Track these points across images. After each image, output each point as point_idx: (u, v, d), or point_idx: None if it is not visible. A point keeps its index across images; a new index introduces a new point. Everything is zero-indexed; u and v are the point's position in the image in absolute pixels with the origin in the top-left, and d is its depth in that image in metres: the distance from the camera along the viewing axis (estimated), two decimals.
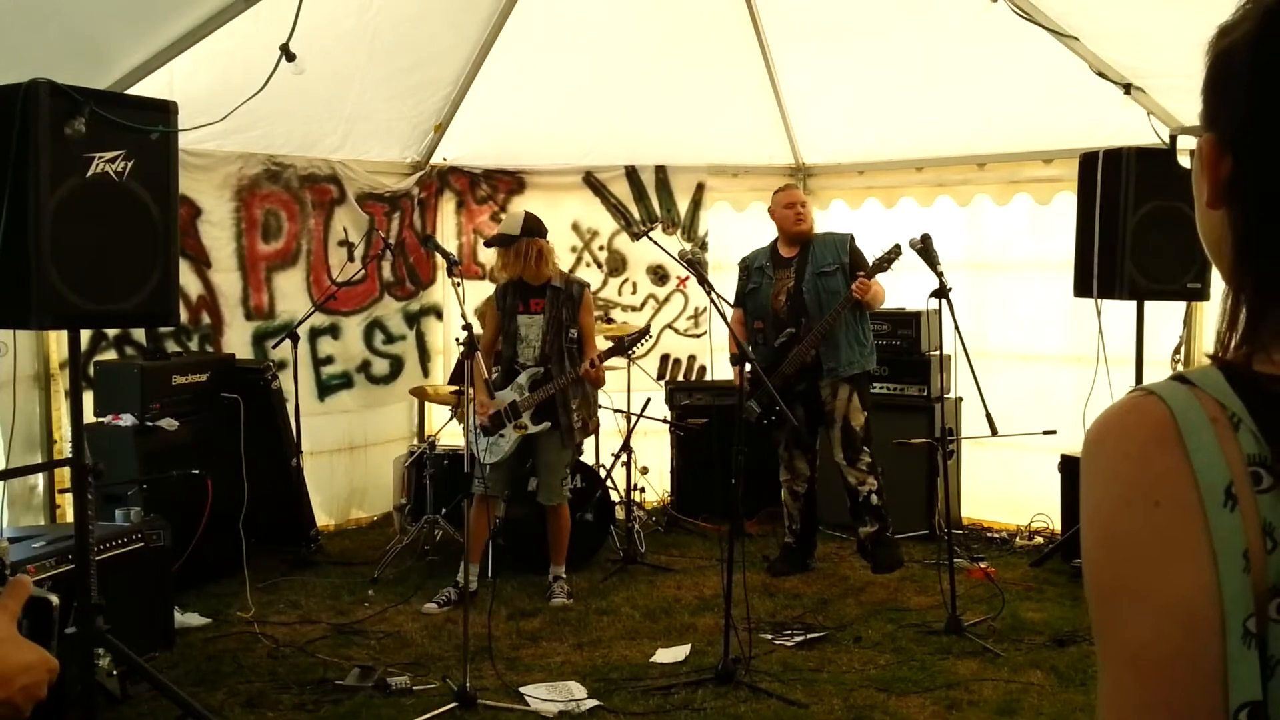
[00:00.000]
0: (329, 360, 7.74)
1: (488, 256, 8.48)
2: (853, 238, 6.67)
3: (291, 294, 7.50)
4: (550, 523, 6.44)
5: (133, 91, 5.47)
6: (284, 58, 5.20)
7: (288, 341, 6.94)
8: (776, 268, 6.65)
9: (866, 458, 6.53)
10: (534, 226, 6.19)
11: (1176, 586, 0.90)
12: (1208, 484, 0.90)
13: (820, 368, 6.48)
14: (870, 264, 6.29)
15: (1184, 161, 1.15)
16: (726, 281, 6.93)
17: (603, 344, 6.49)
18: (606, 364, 6.32)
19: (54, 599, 1.63)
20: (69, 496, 5.19)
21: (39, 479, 6.11)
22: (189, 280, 6.82)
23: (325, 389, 7.70)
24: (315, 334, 7.55)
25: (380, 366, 8.06)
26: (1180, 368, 6.65)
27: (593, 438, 7.40)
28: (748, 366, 5.41)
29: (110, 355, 6.57)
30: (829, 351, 6.46)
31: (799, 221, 6.61)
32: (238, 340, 7.22)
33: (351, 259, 7.70)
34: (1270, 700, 0.88)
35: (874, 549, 6.56)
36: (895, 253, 6.19)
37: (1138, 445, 0.94)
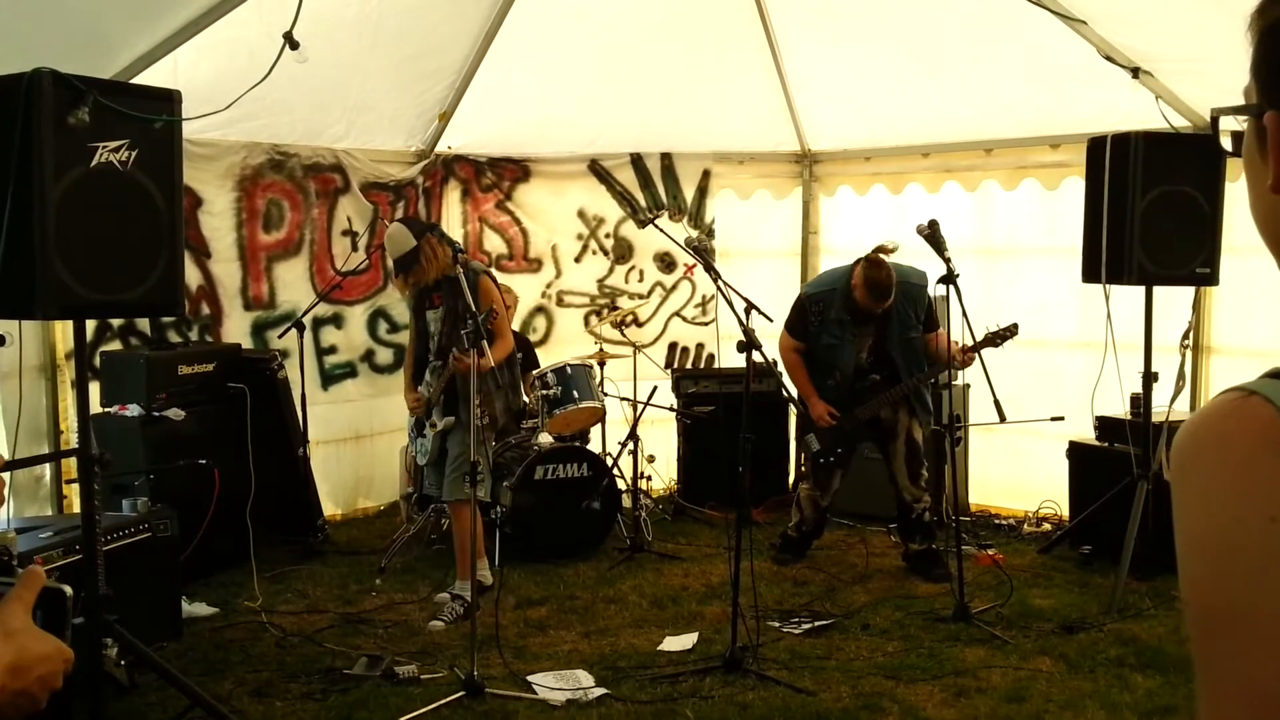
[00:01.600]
0: (332, 350, 7.73)
1: (494, 245, 8.49)
2: (928, 291, 6.44)
3: (293, 284, 7.49)
4: (451, 523, 6.30)
5: (137, 81, 5.45)
6: (287, 46, 5.18)
7: (294, 331, 6.93)
8: (857, 324, 6.43)
9: (925, 474, 6.55)
10: (418, 228, 6.05)
11: None
12: None
13: (900, 410, 6.51)
14: (982, 338, 6.07)
15: (1225, 142, 1.06)
16: (733, 268, 6.91)
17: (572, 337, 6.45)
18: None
19: (68, 590, 1.63)
20: (76, 487, 5.19)
21: (46, 469, 6.11)
22: (188, 270, 6.76)
23: (329, 378, 7.69)
24: (318, 324, 7.53)
25: (384, 355, 8.04)
26: (1189, 353, 6.63)
27: (600, 426, 7.41)
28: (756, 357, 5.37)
29: (115, 345, 6.56)
30: (919, 405, 6.49)
31: (881, 305, 6.30)
32: (237, 330, 7.20)
33: (355, 249, 7.69)
34: None
35: (923, 564, 6.55)
36: (1010, 333, 6.12)
37: (1245, 453, 0.84)
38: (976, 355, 6.05)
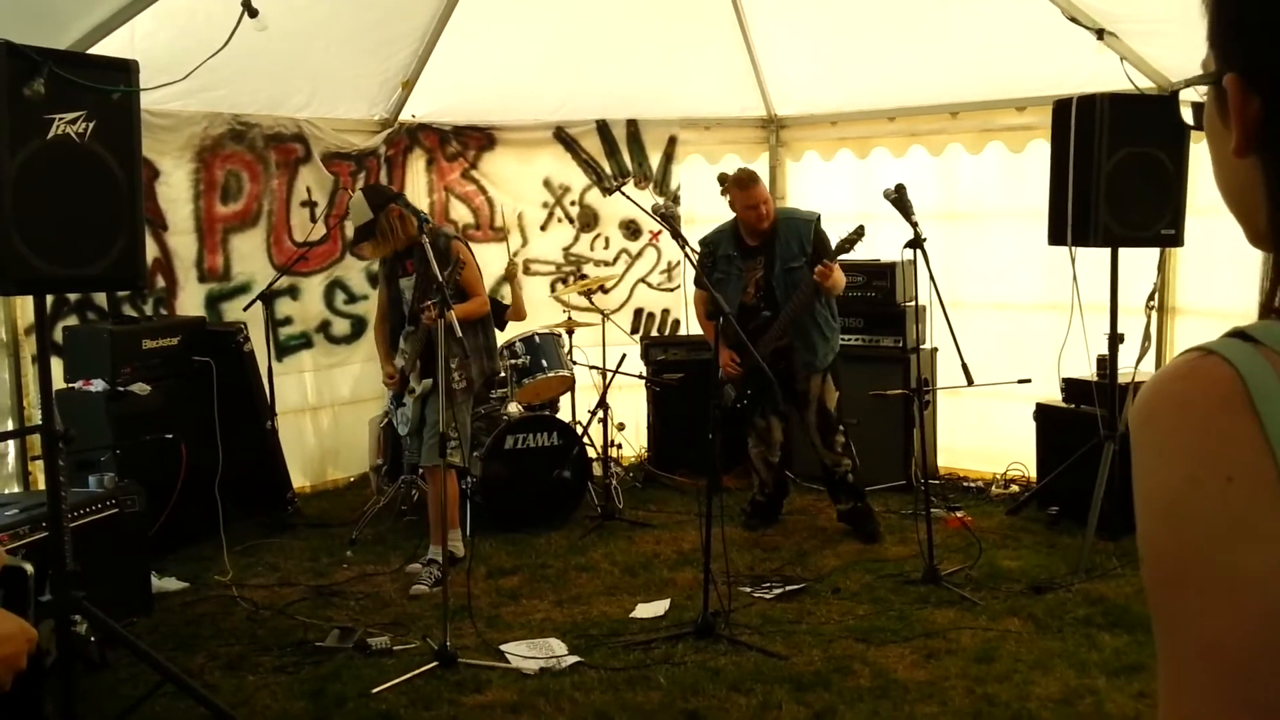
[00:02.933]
0: (288, 321, 7.66)
1: (460, 214, 8.43)
2: (818, 221, 6.51)
3: (249, 255, 7.41)
4: (428, 489, 6.24)
5: (93, 51, 5.36)
6: (246, 14, 5.11)
7: (259, 304, 6.86)
8: (744, 258, 6.51)
9: (841, 438, 6.57)
10: (380, 199, 6.00)
11: (1255, 569, 0.80)
12: None
13: (792, 353, 6.48)
14: (833, 247, 6.21)
15: (1187, 115, 1.06)
16: (699, 235, 6.88)
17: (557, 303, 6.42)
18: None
19: (28, 567, 1.60)
20: (41, 463, 5.14)
21: (10, 446, 6.06)
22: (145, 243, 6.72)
23: (284, 350, 7.62)
24: (274, 295, 7.44)
25: (341, 326, 7.98)
26: (1154, 315, 6.68)
27: (569, 394, 7.40)
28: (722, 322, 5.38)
29: (72, 320, 6.47)
30: (802, 345, 6.45)
31: (761, 221, 6.42)
32: (191, 303, 7.12)
33: (315, 220, 7.62)
34: None
35: (854, 522, 6.62)
36: (857, 235, 6.13)
37: (1202, 413, 0.84)
38: (834, 267, 6.14)
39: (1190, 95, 1.01)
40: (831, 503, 6.78)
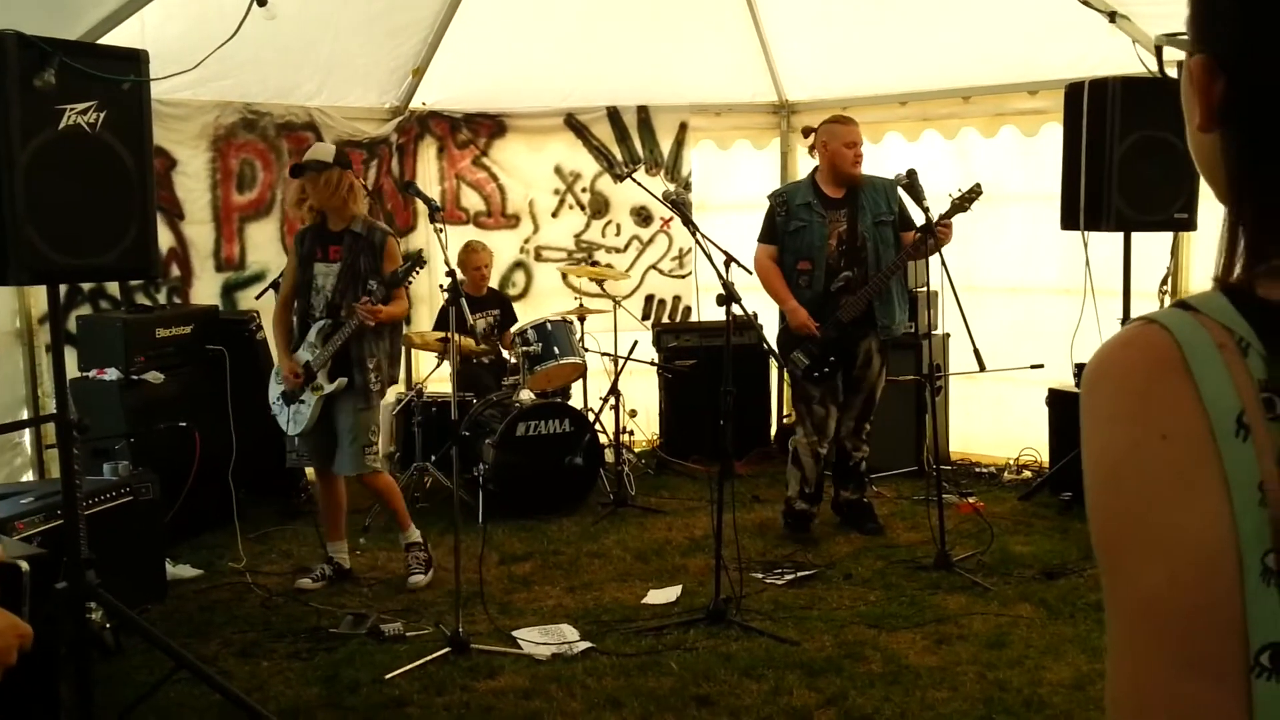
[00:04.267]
0: None
1: (471, 201, 8.43)
2: (896, 185, 6.03)
3: (264, 244, 7.43)
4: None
5: (103, 41, 5.38)
6: (255, 3, 5.11)
7: (271, 292, 6.86)
8: (826, 208, 6.13)
9: (868, 426, 6.37)
10: (346, 161, 5.65)
11: (1189, 525, 0.84)
12: (1218, 414, 0.85)
13: (873, 321, 6.10)
14: (949, 206, 5.83)
15: (1171, 72, 1.11)
16: (710, 221, 6.87)
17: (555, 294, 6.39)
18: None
19: (24, 565, 1.61)
20: (55, 452, 5.17)
21: (25, 435, 6.09)
22: (160, 233, 6.62)
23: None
24: None
25: None
26: (1168, 299, 6.65)
27: (581, 381, 7.41)
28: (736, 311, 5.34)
29: (85, 309, 6.50)
30: (884, 307, 6.09)
31: (857, 163, 6.10)
32: (206, 292, 7.14)
33: None
34: None
35: (856, 515, 6.46)
36: (975, 192, 5.79)
37: (1141, 376, 0.89)
38: (950, 225, 5.81)
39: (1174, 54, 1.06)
40: (834, 487, 6.51)
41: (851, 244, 6.11)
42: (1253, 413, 0.85)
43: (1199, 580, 0.84)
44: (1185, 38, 1.01)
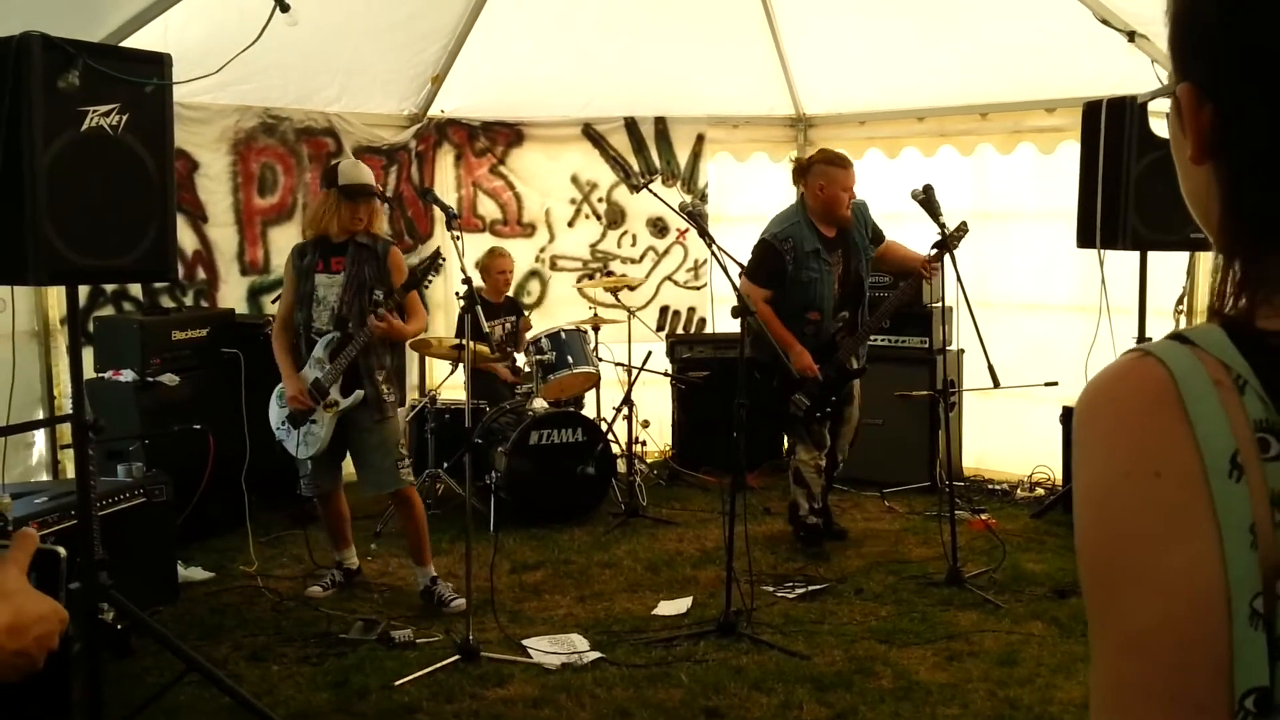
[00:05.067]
0: None
1: (487, 209, 8.45)
2: (865, 206, 6.27)
3: (286, 248, 7.38)
4: (400, 515, 5.66)
5: (127, 44, 5.41)
6: (278, 8, 5.13)
7: (275, 296, 6.89)
8: (829, 251, 6.10)
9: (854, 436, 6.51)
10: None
11: (1180, 566, 0.83)
12: (1211, 453, 0.83)
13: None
14: (936, 247, 5.86)
15: (1155, 126, 1.10)
16: (727, 233, 6.87)
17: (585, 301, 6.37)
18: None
19: (62, 551, 1.63)
20: (70, 452, 5.19)
21: (40, 435, 6.11)
22: (185, 235, 6.78)
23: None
24: None
25: None
26: (1183, 318, 6.63)
27: (594, 391, 7.41)
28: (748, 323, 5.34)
29: (108, 311, 6.55)
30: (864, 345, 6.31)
31: (848, 206, 6.08)
32: (233, 295, 7.20)
33: None
34: (1278, 685, 0.82)
35: (825, 521, 6.51)
36: (963, 231, 5.81)
37: (1135, 412, 0.87)
38: (940, 263, 5.89)
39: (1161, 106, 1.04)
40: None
41: (847, 285, 6.18)
42: (1247, 453, 0.84)
43: (1188, 620, 0.83)
44: (1165, 85, 0.99)
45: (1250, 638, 0.81)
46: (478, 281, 7.36)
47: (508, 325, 7.63)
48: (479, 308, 5.13)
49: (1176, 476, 0.84)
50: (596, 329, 7.38)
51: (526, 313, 7.97)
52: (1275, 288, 0.90)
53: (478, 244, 8.02)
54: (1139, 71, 6.24)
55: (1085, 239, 6.13)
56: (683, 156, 8.56)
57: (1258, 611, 0.82)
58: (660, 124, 8.51)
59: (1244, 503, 0.83)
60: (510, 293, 8.00)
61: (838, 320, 6.15)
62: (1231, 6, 0.91)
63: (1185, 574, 0.83)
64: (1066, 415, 6.88)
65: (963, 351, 7.31)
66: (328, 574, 5.80)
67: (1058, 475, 7.20)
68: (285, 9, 5.16)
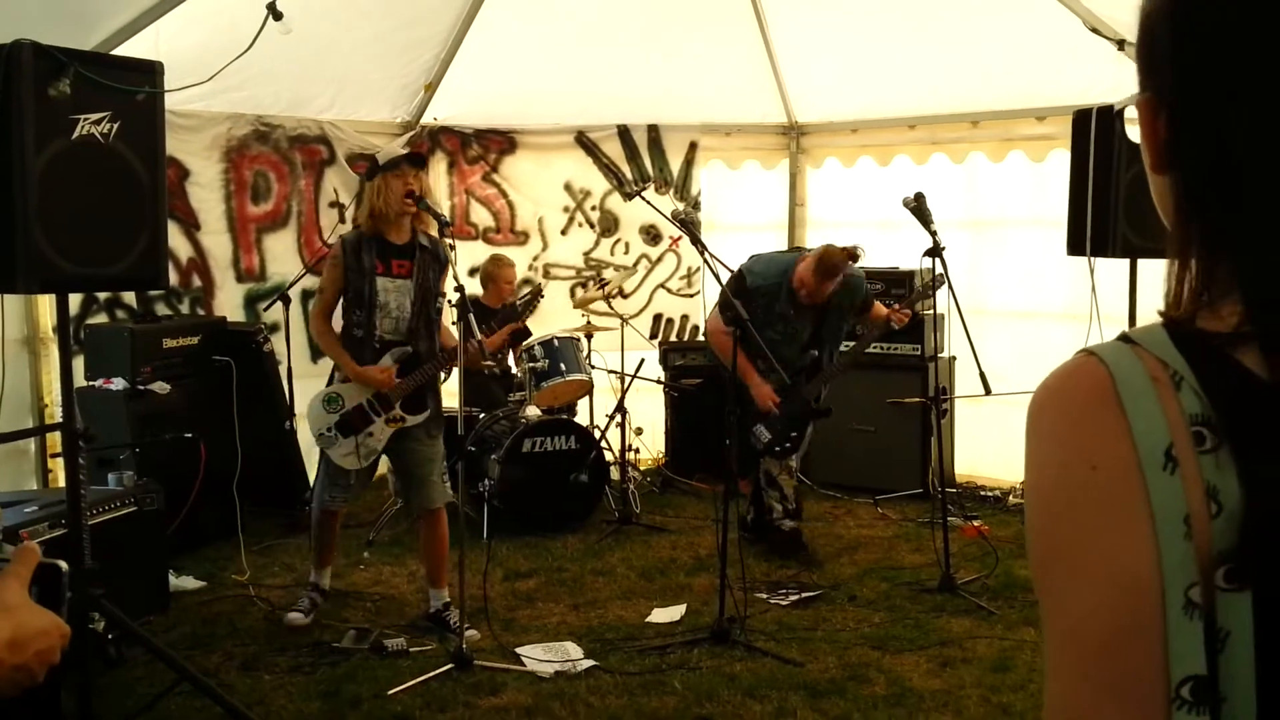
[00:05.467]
0: None
1: (480, 217, 8.45)
2: (867, 288, 6.38)
3: (282, 255, 7.46)
4: (429, 533, 5.38)
5: (118, 52, 5.40)
6: (270, 17, 5.14)
7: (279, 304, 6.90)
8: (799, 315, 6.21)
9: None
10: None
11: (1115, 555, 0.86)
12: (1146, 446, 0.87)
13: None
14: (912, 293, 6.03)
15: (1132, 134, 1.14)
16: (719, 241, 6.88)
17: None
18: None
19: (64, 565, 1.63)
20: (61, 461, 5.17)
21: (31, 444, 6.09)
22: (178, 243, 6.77)
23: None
24: (307, 296, 7.47)
25: None
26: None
27: (587, 398, 7.41)
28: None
29: (101, 319, 6.53)
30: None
31: (825, 294, 6.12)
32: (229, 303, 7.19)
33: (343, 220, 7.65)
34: (1221, 675, 0.84)
35: (765, 533, 6.51)
36: (941, 281, 5.87)
37: (1076, 408, 0.92)
38: (909, 313, 6.14)
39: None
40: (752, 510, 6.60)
41: (813, 344, 6.28)
42: (1182, 446, 0.87)
43: (1123, 609, 0.85)
44: (1135, 95, 1.03)
45: (1185, 627, 0.84)
46: (477, 289, 7.37)
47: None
48: (471, 315, 5.07)
49: (1111, 469, 0.88)
50: (589, 336, 7.37)
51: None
52: (1220, 292, 0.93)
53: (470, 252, 8.02)
54: (1129, 80, 6.12)
55: (1076, 246, 6.12)
56: (675, 164, 8.56)
57: (1193, 601, 0.84)
58: (653, 131, 8.52)
59: (1178, 494, 0.86)
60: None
61: (807, 358, 6.25)
62: (1182, 25, 0.96)
63: (1118, 563, 0.86)
64: None
65: (954, 359, 7.32)
66: (304, 598, 5.48)
67: None
68: (278, 17, 5.17)
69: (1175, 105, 0.97)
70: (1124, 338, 0.94)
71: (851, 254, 6.07)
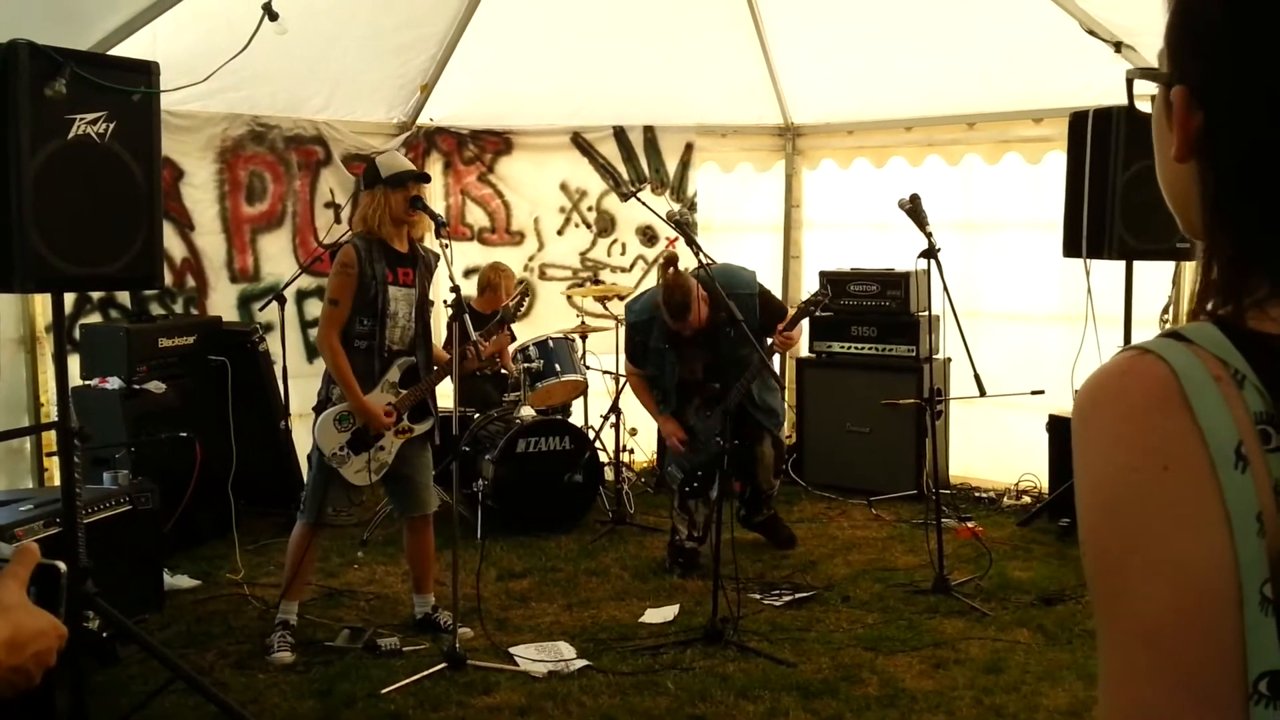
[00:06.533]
0: (317, 323, 7.69)
1: (476, 218, 8.45)
2: (761, 291, 6.12)
3: (277, 256, 7.46)
4: (416, 540, 5.33)
5: (114, 52, 5.40)
6: (266, 17, 5.14)
7: (274, 304, 6.90)
8: (679, 348, 6.06)
9: (785, 467, 6.60)
10: None
11: (1190, 555, 0.85)
12: (1217, 445, 0.85)
13: (759, 425, 6.20)
14: (795, 311, 5.91)
15: (1142, 106, 1.12)
16: (715, 242, 6.89)
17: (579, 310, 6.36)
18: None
19: (62, 566, 1.63)
20: (56, 460, 5.18)
21: (26, 443, 6.10)
22: (173, 243, 6.77)
23: (314, 351, 7.66)
24: (302, 296, 7.50)
25: None
26: (1169, 327, 6.65)
27: (581, 399, 7.42)
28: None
29: (95, 318, 6.53)
30: (764, 415, 6.19)
31: (693, 326, 5.92)
32: (223, 303, 7.19)
33: (339, 221, 7.66)
34: None
35: (770, 530, 6.60)
36: (822, 298, 5.83)
37: (1139, 406, 0.89)
38: (795, 330, 6.00)
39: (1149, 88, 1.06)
40: (747, 514, 6.57)
41: (708, 372, 6.09)
42: (1250, 444, 0.86)
43: (1199, 609, 0.85)
44: (1159, 69, 1.01)
45: (1262, 623, 0.84)
46: (472, 292, 7.38)
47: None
48: (466, 316, 5.05)
49: (1184, 469, 0.86)
50: (584, 337, 7.38)
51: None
52: (1264, 294, 0.92)
53: (466, 252, 8.03)
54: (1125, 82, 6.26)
55: (1071, 248, 6.15)
56: (671, 165, 8.57)
57: (1267, 597, 0.84)
58: (649, 133, 8.52)
59: (1250, 492, 0.85)
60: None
61: (710, 392, 6.06)
62: (1238, 7, 0.93)
63: (1196, 563, 0.85)
64: (1053, 424, 6.91)
65: (949, 360, 7.33)
66: (279, 637, 5.04)
67: (1044, 483, 7.22)
68: (274, 18, 5.18)
69: (1220, 93, 0.94)
70: (1175, 335, 0.92)
71: (824, 294, 5.85)
